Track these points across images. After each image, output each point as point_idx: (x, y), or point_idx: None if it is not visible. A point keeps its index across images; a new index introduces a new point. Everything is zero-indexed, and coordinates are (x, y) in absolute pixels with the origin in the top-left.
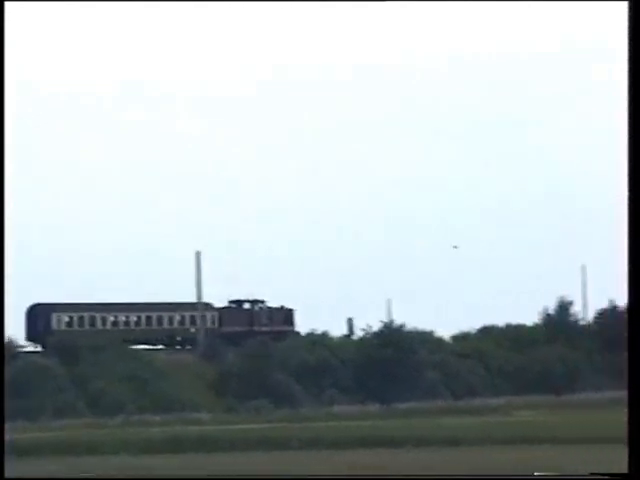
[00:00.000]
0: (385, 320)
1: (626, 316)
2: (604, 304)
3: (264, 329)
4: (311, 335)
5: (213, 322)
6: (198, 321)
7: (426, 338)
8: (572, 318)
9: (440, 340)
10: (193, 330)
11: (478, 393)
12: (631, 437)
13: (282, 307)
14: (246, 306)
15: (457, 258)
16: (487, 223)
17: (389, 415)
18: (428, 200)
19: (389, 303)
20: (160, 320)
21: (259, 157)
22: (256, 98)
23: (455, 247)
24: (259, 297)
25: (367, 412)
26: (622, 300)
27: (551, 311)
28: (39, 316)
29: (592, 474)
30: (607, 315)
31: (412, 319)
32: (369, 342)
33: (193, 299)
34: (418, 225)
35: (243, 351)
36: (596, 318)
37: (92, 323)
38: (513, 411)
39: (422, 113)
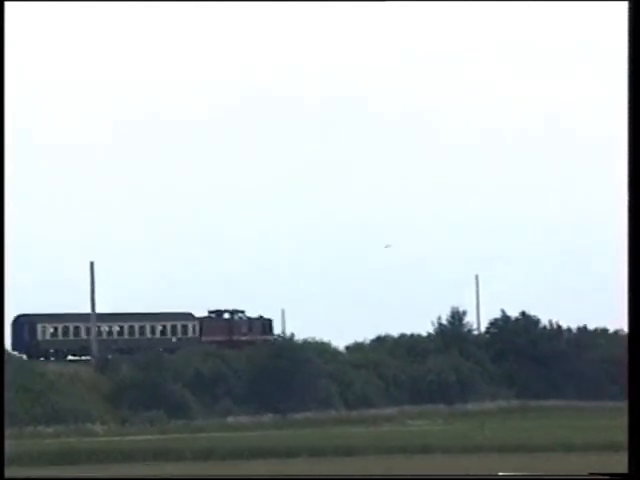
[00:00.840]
0: (279, 330)
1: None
2: (497, 314)
3: (243, 338)
4: (205, 346)
5: (194, 331)
6: (93, 332)
7: (321, 348)
8: (465, 328)
9: (334, 350)
10: (174, 340)
11: (373, 403)
12: (631, 438)
13: (261, 317)
14: (226, 316)
15: (350, 269)
16: (382, 234)
17: (283, 425)
18: (321, 211)
19: (283, 313)
20: (142, 330)
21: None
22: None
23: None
24: (156, 309)
25: (261, 422)
26: (514, 310)
27: (444, 321)
28: (24, 326)
29: (591, 474)
30: (499, 325)
31: (306, 330)
32: (263, 352)
33: (179, 309)
34: (311, 235)
35: (137, 362)
36: (488, 328)
37: (77, 333)
38: (407, 420)
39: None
